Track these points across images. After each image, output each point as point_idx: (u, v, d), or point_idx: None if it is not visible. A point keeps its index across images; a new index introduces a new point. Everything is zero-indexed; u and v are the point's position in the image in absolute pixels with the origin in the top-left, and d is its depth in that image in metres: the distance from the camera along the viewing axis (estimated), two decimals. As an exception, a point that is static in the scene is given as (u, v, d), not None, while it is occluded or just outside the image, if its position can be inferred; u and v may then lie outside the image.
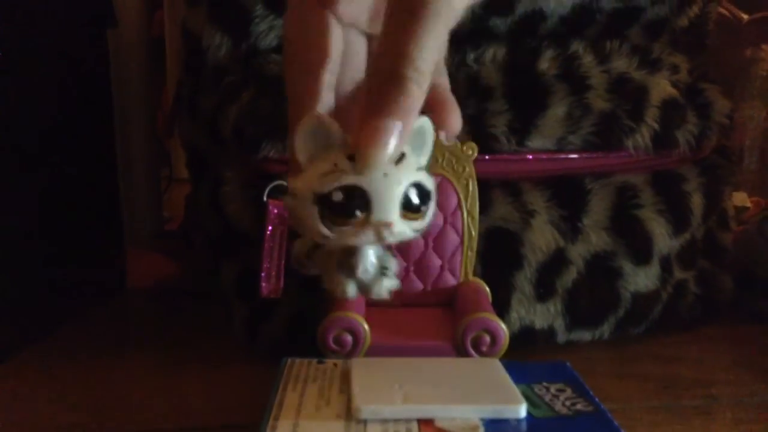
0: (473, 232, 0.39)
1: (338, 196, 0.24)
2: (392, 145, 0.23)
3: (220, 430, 0.35)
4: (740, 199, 0.60)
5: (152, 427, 0.35)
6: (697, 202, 0.44)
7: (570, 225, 0.41)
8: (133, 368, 0.42)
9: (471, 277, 0.40)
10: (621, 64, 0.42)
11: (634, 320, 0.44)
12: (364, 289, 0.27)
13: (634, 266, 0.43)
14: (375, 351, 0.35)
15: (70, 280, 0.49)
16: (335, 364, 0.32)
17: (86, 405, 0.38)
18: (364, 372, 0.30)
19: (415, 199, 0.24)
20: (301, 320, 0.41)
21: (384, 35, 0.23)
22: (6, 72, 0.42)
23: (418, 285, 0.39)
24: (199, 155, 0.48)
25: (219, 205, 0.42)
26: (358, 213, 0.24)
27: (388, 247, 0.27)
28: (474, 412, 0.27)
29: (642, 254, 0.43)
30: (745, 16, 0.62)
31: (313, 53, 0.25)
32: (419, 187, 0.25)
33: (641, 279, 0.43)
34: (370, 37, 0.26)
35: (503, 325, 0.35)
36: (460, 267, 0.39)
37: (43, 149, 0.46)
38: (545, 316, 0.42)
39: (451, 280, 0.39)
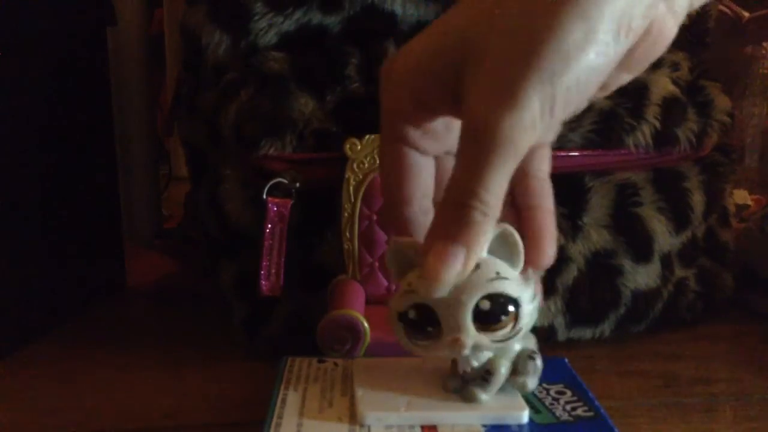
0: None
1: (412, 314, 0.26)
2: (455, 268, 0.24)
3: (219, 428, 0.35)
4: (741, 196, 0.60)
5: (152, 425, 0.35)
6: (697, 199, 0.44)
7: (570, 223, 0.41)
8: (133, 366, 0.42)
9: None
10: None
11: (635, 318, 0.44)
12: (464, 388, 0.28)
13: (635, 264, 0.43)
14: (375, 349, 0.35)
15: (69, 279, 0.49)
16: (336, 364, 0.32)
17: (86, 403, 0.37)
18: (366, 376, 0.30)
19: (488, 311, 0.25)
20: (300, 319, 0.41)
21: (454, 168, 0.24)
22: (5, 70, 0.42)
23: None
24: (198, 153, 0.48)
25: (218, 203, 0.42)
26: (430, 329, 0.25)
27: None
28: (477, 419, 0.26)
29: (642, 252, 0.43)
30: (746, 14, 0.61)
31: (399, 188, 0.27)
32: (494, 298, 0.25)
33: (642, 277, 0.43)
34: (436, 158, 0.28)
35: None
36: None
37: (43, 147, 0.46)
38: (546, 314, 0.42)
39: None
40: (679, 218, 0.44)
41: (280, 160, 0.39)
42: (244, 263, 0.42)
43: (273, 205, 0.39)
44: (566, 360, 0.32)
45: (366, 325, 0.35)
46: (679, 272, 0.45)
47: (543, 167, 0.28)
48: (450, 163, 0.26)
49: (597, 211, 0.42)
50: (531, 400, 0.29)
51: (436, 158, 0.28)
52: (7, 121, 0.43)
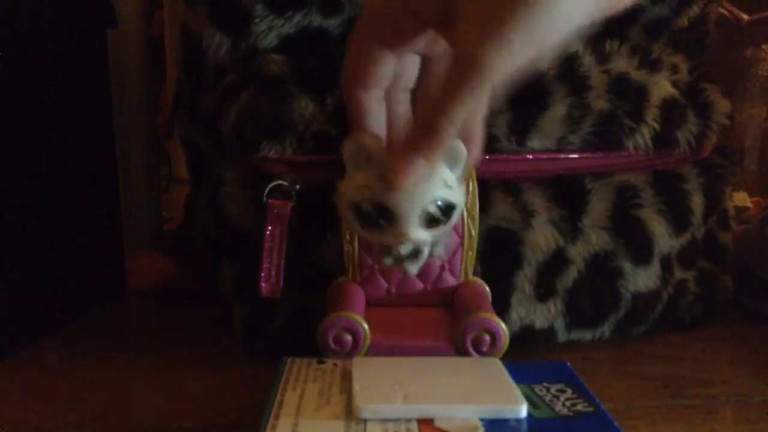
0: (473, 232, 0.39)
1: (367, 207, 0.30)
2: (417, 178, 0.28)
3: (219, 429, 0.35)
4: (740, 199, 0.60)
5: (152, 426, 0.35)
6: (697, 202, 0.44)
7: (570, 225, 0.41)
8: (133, 368, 0.42)
9: (471, 276, 0.40)
10: (621, 64, 0.42)
11: (635, 320, 0.44)
12: (397, 263, 0.32)
13: (635, 266, 0.43)
14: (375, 351, 0.35)
15: (69, 281, 0.49)
16: (335, 364, 0.32)
17: (86, 405, 0.38)
18: (364, 371, 0.30)
19: (436, 214, 0.30)
20: (300, 320, 0.41)
21: (425, 87, 0.28)
22: (5, 72, 0.42)
23: (419, 285, 0.39)
24: (198, 155, 0.48)
25: (218, 204, 0.42)
26: (383, 222, 0.30)
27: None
28: (474, 412, 0.27)
29: (642, 254, 0.43)
30: (745, 17, 0.62)
31: (362, 78, 0.30)
32: (440, 204, 0.29)
33: (641, 279, 0.43)
34: (424, 57, 0.31)
35: (503, 325, 0.35)
36: (460, 267, 0.39)
37: (43, 149, 0.46)
38: (545, 315, 0.42)
39: (451, 280, 0.39)
40: (679, 220, 0.44)
41: (281, 162, 0.40)
42: (245, 265, 0.42)
43: (273, 207, 0.39)
44: (567, 363, 0.33)
45: (366, 327, 0.35)
46: (679, 274, 0.45)
47: None
48: (412, 61, 0.30)
49: (597, 213, 0.42)
50: (531, 397, 0.29)
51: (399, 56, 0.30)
52: (7, 123, 0.43)
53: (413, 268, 0.32)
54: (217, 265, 0.44)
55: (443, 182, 0.30)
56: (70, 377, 0.41)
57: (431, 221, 0.30)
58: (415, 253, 0.32)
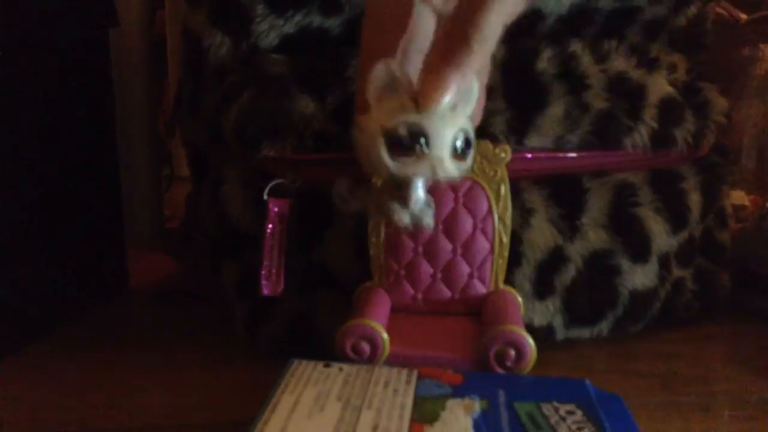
0: (504, 239, 0.38)
1: (403, 131, 0.28)
2: (452, 93, 0.28)
3: (220, 428, 0.35)
4: (738, 197, 0.60)
5: (153, 424, 0.36)
6: (695, 200, 0.44)
7: (568, 223, 0.42)
8: (134, 367, 0.42)
9: (502, 285, 0.39)
10: (619, 63, 0.43)
11: (633, 318, 0.44)
12: (414, 218, 0.30)
13: (633, 264, 0.43)
14: (393, 361, 0.34)
15: (70, 279, 0.49)
16: (341, 369, 0.31)
17: (87, 403, 0.38)
18: None
19: (462, 144, 0.29)
20: (301, 320, 0.42)
21: (460, 6, 0.28)
22: (6, 70, 0.42)
23: (446, 293, 0.38)
24: (200, 154, 0.48)
25: (219, 203, 0.43)
26: (418, 147, 0.28)
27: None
28: None
29: (640, 252, 0.43)
30: (744, 16, 0.62)
31: (396, 26, 0.30)
32: (465, 134, 0.29)
33: (639, 277, 0.43)
34: (438, 17, 0.30)
35: (530, 340, 0.33)
36: (490, 275, 0.38)
37: (44, 148, 0.46)
38: (544, 313, 0.42)
39: (480, 288, 0.38)
40: (677, 219, 0.44)
41: (281, 161, 0.40)
42: (245, 263, 0.42)
43: (274, 206, 0.39)
44: (587, 381, 0.30)
45: (385, 336, 0.34)
46: (677, 272, 0.45)
47: None
48: (428, 21, 0.30)
49: (595, 211, 0.42)
50: (535, 417, 0.28)
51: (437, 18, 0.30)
52: (9, 122, 0.43)
53: (430, 220, 0.31)
54: (218, 264, 0.45)
55: (464, 116, 0.29)
56: (71, 376, 0.41)
57: (457, 151, 0.29)
58: (428, 202, 0.31)
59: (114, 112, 0.55)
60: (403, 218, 0.30)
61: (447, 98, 0.28)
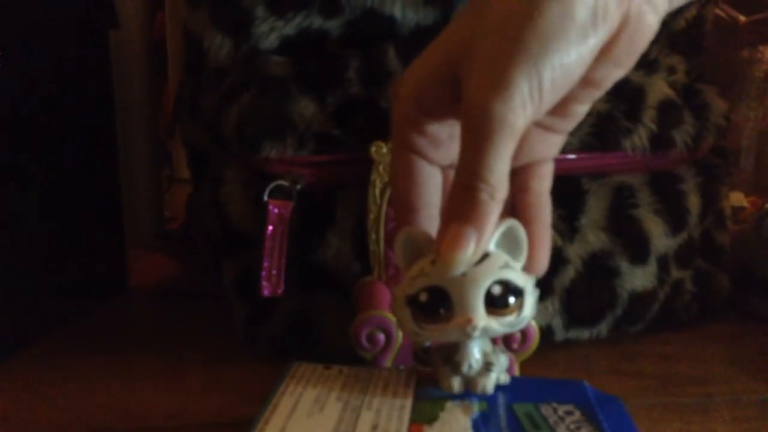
0: None
1: (423, 297, 0.26)
2: (468, 248, 0.25)
3: (220, 428, 0.35)
4: (737, 198, 0.60)
5: (153, 425, 0.36)
6: (694, 201, 0.45)
7: (568, 224, 0.42)
8: (135, 367, 0.42)
9: None
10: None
11: (632, 319, 0.44)
12: (469, 383, 0.28)
13: (632, 265, 0.43)
14: (407, 349, 0.35)
15: (71, 280, 0.49)
16: (341, 371, 0.31)
17: (88, 402, 0.38)
18: None
19: (499, 294, 0.26)
20: (301, 320, 0.42)
21: (459, 155, 0.25)
22: (7, 72, 0.42)
23: None
24: (200, 155, 0.48)
25: (219, 204, 0.43)
26: (442, 311, 0.26)
27: (494, 342, 0.29)
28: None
29: (639, 253, 0.43)
30: (742, 18, 0.62)
31: (407, 195, 0.28)
32: (505, 284, 0.26)
33: (638, 278, 0.43)
34: (440, 167, 0.29)
35: (534, 323, 0.35)
36: None
37: (45, 149, 0.46)
38: (543, 314, 0.42)
39: None
40: (676, 220, 0.44)
41: (281, 162, 0.40)
42: (245, 264, 0.42)
43: (274, 207, 0.39)
44: (585, 382, 0.31)
45: None
46: (676, 274, 0.46)
47: (544, 183, 0.29)
48: (435, 177, 0.28)
49: (594, 213, 0.42)
50: (534, 417, 0.28)
51: (443, 170, 0.29)
52: (10, 123, 0.43)
53: (489, 384, 0.27)
54: (218, 265, 0.45)
55: (503, 262, 0.26)
56: (71, 376, 0.41)
57: (498, 304, 0.26)
58: (486, 366, 0.27)
59: (114, 113, 0.55)
60: (453, 385, 0.27)
61: (464, 255, 0.25)
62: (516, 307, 0.26)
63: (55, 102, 0.47)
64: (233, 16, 0.42)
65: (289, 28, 0.42)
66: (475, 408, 0.28)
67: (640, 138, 0.42)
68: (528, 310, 0.26)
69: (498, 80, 0.23)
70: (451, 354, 0.27)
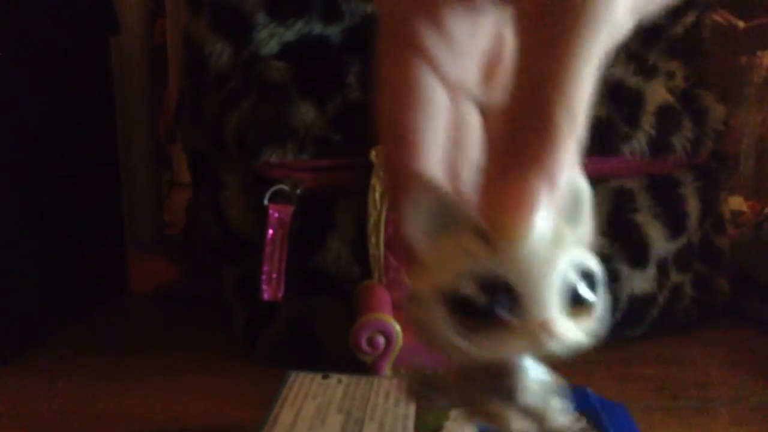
0: None
1: (471, 289, 0.16)
2: (541, 214, 0.16)
3: (220, 431, 0.35)
4: (736, 203, 0.60)
5: (154, 429, 0.36)
6: (693, 206, 0.45)
7: (567, 229, 0.42)
8: (135, 371, 0.42)
9: None
10: (617, 70, 0.43)
11: (632, 323, 0.45)
12: (532, 416, 0.19)
13: (631, 269, 0.43)
14: (407, 352, 0.35)
15: (71, 284, 0.49)
16: (339, 380, 0.31)
17: (88, 406, 0.38)
18: None
19: (582, 287, 0.17)
20: (301, 324, 0.42)
21: (519, 68, 0.16)
22: (8, 77, 0.42)
23: None
24: (200, 160, 0.48)
25: (220, 209, 0.43)
26: (503, 312, 0.16)
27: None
28: None
29: (638, 258, 0.43)
30: (741, 24, 0.62)
31: (407, 116, 0.18)
32: (584, 268, 0.17)
33: (638, 282, 0.43)
34: (482, 109, 0.19)
35: None
36: None
37: (45, 154, 0.47)
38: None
39: None
40: (675, 224, 0.44)
41: (282, 167, 0.40)
42: (245, 268, 0.43)
43: (274, 212, 0.40)
44: (589, 388, 0.30)
45: (398, 328, 0.35)
46: (675, 278, 0.46)
47: None
48: (471, 118, 0.18)
49: (593, 217, 0.42)
50: None
51: (453, 98, 0.19)
52: (11, 128, 0.43)
53: (561, 418, 0.19)
54: (218, 269, 0.45)
55: (571, 240, 0.17)
56: (72, 379, 0.41)
57: (578, 303, 0.17)
58: (552, 390, 0.19)
59: (115, 118, 0.55)
60: (512, 423, 0.19)
61: (535, 222, 0.16)
62: (594, 306, 0.18)
63: (57, 107, 0.47)
64: (234, 22, 0.42)
65: (290, 34, 0.42)
66: None
67: (639, 143, 0.42)
68: (599, 313, 0.18)
69: None
70: (497, 378, 0.19)
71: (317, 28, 0.42)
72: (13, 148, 0.43)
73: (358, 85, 0.40)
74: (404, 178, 0.18)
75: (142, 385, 0.40)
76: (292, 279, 0.40)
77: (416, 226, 0.17)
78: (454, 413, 0.28)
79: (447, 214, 0.17)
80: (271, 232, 0.40)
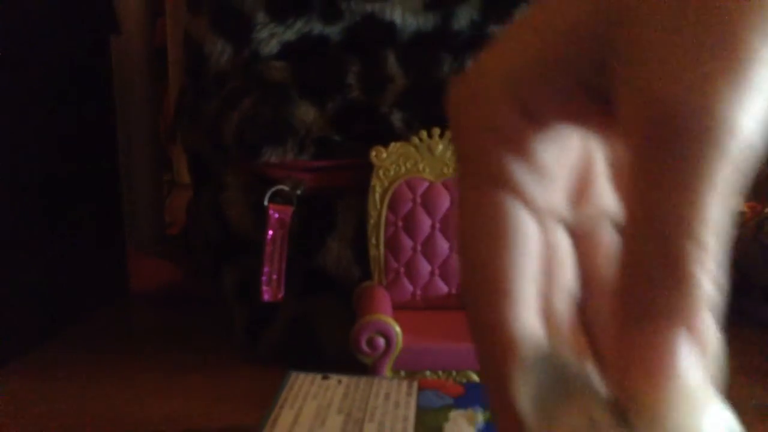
0: None
1: None
2: (687, 374, 0.13)
3: (221, 432, 0.35)
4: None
5: (154, 428, 0.36)
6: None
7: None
8: (135, 372, 0.42)
9: None
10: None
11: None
12: None
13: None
14: (407, 353, 0.35)
15: (72, 284, 0.49)
16: (339, 381, 0.31)
17: (89, 406, 0.38)
18: None
19: None
20: (301, 325, 0.42)
21: (632, 198, 0.14)
22: (8, 77, 0.42)
23: (444, 288, 0.39)
24: (200, 160, 0.48)
25: (220, 209, 0.43)
26: None
27: None
28: None
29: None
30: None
31: (500, 258, 0.16)
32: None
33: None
34: (573, 233, 0.17)
35: None
36: None
37: (46, 154, 0.47)
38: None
39: None
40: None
41: (282, 167, 0.40)
42: (246, 269, 0.43)
43: (274, 212, 0.40)
44: None
45: (398, 329, 0.35)
46: (675, 278, 0.46)
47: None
48: (563, 245, 0.17)
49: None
50: None
51: (543, 226, 0.16)
52: (11, 128, 0.43)
53: None
54: (219, 270, 0.45)
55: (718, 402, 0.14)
56: (73, 380, 0.41)
57: None
58: None
59: (115, 118, 0.55)
60: None
61: (681, 388, 0.13)
62: None
63: (57, 107, 0.47)
64: (234, 21, 0.42)
65: (290, 34, 0.42)
66: (480, 417, 0.28)
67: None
68: None
69: (727, 58, 0.13)
70: None
71: (317, 27, 0.42)
72: (14, 147, 0.43)
73: (357, 85, 0.40)
74: (505, 340, 0.15)
75: (142, 384, 0.40)
76: (292, 279, 0.40)
77: (528, 400, 0.14)
78: (453, 413, 0.28)
79: (565, 381, 0.14)
80: (271, 232, 0.40)
